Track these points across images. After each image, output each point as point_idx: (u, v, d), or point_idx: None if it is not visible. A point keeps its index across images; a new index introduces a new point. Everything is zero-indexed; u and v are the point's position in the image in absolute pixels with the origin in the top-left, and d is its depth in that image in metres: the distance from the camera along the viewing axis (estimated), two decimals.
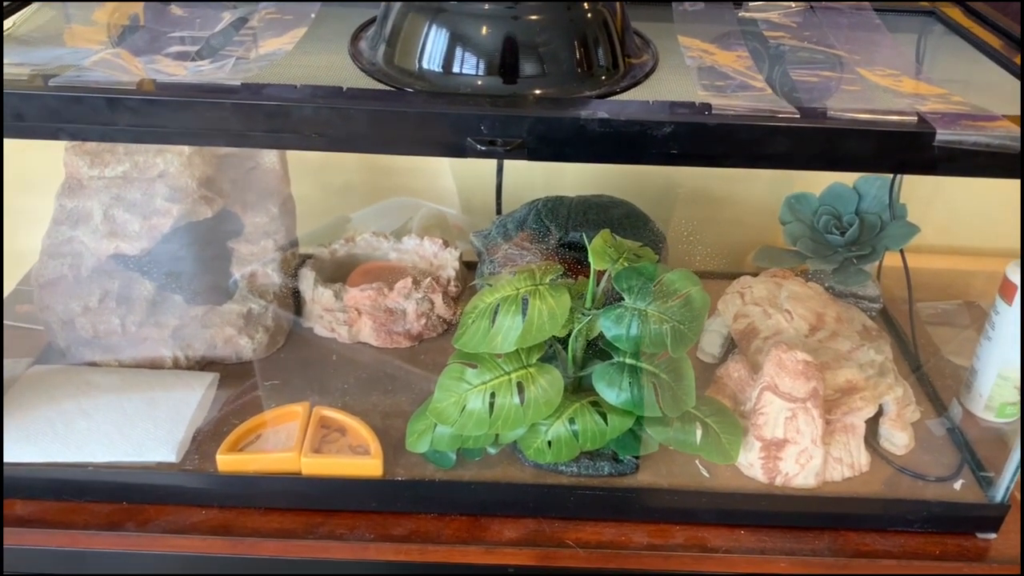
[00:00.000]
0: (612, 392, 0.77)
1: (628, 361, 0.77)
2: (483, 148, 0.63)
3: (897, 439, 0.87)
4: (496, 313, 0.75)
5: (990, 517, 0.82)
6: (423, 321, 0.99)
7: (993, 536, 0.82)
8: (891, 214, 1.04)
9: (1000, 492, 0.82)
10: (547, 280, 0.77)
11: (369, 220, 1.16)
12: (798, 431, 0.81)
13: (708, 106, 0.64)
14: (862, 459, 0.84)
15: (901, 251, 1.03)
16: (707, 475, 0.84)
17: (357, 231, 1.11)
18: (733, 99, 0.66)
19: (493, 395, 0.76)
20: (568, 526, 0.82)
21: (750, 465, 0.83)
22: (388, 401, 0.91)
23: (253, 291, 0.98)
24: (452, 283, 1.02)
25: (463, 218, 1.20)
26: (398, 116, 0.63)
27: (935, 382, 0.97)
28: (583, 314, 0.78)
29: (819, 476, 0.82)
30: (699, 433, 0.80)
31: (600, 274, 0.78)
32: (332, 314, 0.98)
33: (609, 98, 0.68)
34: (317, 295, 0.99)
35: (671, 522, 0.82)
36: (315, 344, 0.99)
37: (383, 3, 0.73)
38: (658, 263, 0.79)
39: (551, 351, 0.82)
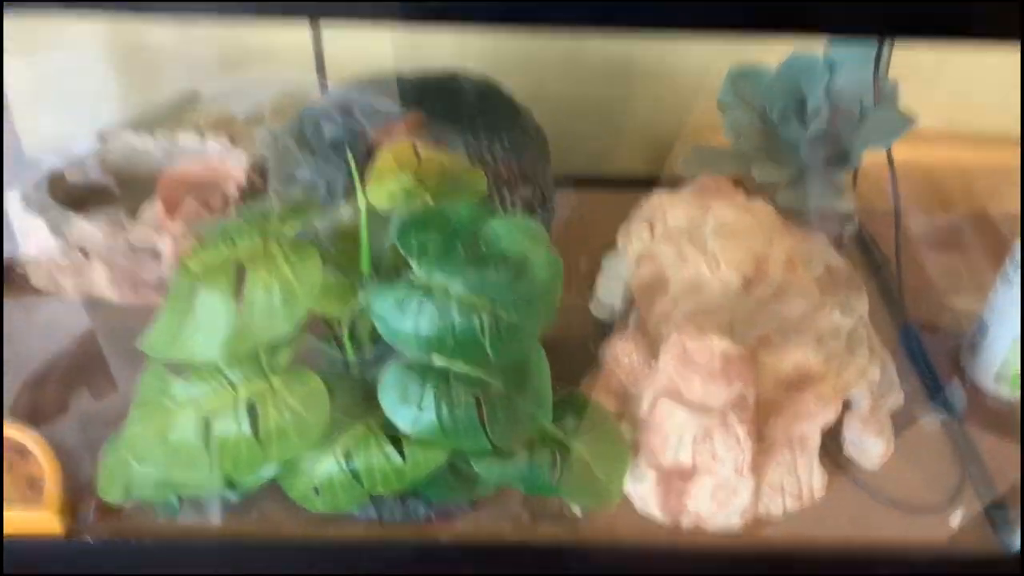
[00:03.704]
0: (407, 412, 0.47)
1: (436, 362, 0.47)
2: None
3: (870, 446, 0.58)
4: (197, 294, 0.44)
5: None
6: None
7: None
8: (875, 96, 0.73)
9: (1019, 536, 0.54)
10: (287, 231, 0.45)
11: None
12: (714, 456, 0.52)
13: None
14: (815, 481, 0.56)
15: (888, 150, 0.72)
16: (577, 513, 0.55)
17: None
18: None
19: (208, 422, 0.46)
20: None
21: (642, 499, 0.54)
22: (118, 398, 0.60)
23: None
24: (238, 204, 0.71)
25: None
26: None
27: (929, 342, 0.68)
28: (361, 286, 0.47)
29: (748, 513, 0.54)
30: (558, 467, 0.51)
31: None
32: (49, 258, 0.67)
33: None
34: (27, 227, 0.67)
35: None
36: (23, 304, 0.68)
37: None
38: (505, 203, 0.48)
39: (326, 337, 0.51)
